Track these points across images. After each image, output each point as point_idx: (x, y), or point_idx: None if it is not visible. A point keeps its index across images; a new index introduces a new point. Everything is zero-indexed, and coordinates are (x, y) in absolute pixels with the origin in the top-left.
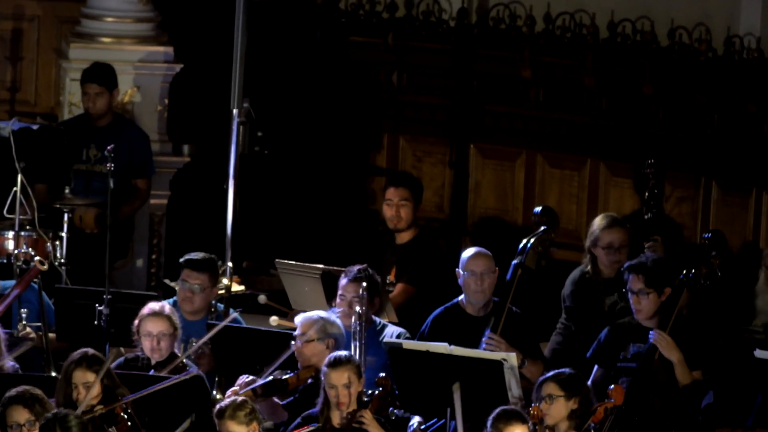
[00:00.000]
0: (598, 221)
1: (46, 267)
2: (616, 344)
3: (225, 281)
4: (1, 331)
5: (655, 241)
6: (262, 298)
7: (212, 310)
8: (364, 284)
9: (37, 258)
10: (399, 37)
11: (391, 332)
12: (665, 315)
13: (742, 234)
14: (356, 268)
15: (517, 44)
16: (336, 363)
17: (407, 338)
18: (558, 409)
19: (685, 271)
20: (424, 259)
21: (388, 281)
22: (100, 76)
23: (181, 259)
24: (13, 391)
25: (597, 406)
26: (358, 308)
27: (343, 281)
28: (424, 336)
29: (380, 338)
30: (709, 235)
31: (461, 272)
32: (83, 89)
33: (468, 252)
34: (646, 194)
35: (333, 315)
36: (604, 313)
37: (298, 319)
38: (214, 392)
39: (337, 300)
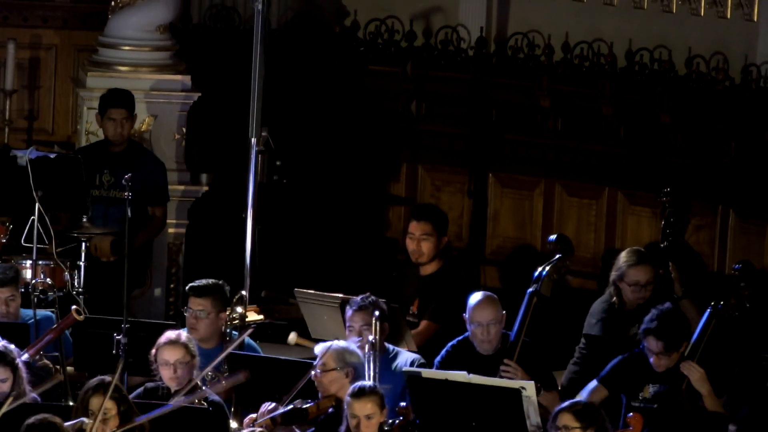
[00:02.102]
0: (625, 256)
1: (82, 317)
2: (631, 375)
3: (239, 309)
4: (24, 368)
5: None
6: (292, 338)
7: (227, 339)
8: (377, 313)
9: (74, 307)
10: (417, 66)
11: (405, 359)
12: (693, 346)
13: (760, 262)
14: (359, 297)
15: (536, 73)
16: (359, 393)
17: (421, 364)
18: None
19: (713, 302)
20: (447, 295)
21: (410, 311)
22: (125, 100)
23: (186, 287)
24: (31, 419)
25: None
26: (371, 337)
27: (348, 312)
28: (440, 367)
29: (393, 366)
30: (739, 266)
31: (468, 320)
32: (108, 114)
33: (474, 299)
34: (662, 222)
35: (353, 344)
36: (628, 343)
37: (318, 348)
38: (231, 421)
39: (346, 332)
